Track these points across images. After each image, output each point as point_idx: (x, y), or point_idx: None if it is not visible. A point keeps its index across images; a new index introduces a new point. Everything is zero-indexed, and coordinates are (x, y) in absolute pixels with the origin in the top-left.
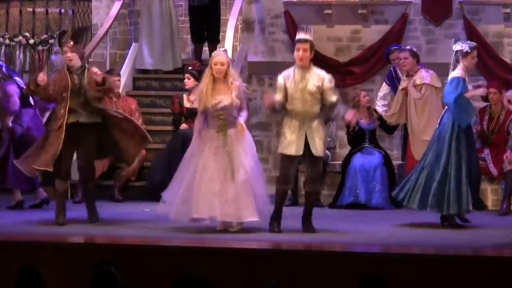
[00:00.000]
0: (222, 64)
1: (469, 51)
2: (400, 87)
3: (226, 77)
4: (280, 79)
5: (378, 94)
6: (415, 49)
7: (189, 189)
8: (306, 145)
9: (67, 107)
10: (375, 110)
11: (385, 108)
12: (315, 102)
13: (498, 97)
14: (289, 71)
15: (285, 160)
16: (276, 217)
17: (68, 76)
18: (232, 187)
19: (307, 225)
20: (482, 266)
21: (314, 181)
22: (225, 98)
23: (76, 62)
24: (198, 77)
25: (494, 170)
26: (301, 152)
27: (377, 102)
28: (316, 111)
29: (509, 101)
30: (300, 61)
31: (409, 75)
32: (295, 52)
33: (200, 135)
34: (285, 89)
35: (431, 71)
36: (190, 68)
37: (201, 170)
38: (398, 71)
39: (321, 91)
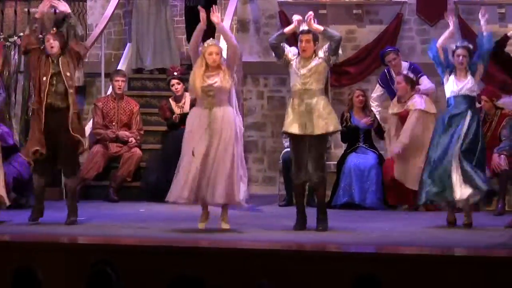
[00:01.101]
0: (217, 54)
1: (454, 49)
2: (391, 111)
3: (219, 65)
4: (288, 50)
5: (372, 95)
6: (411, 76)
7: (180, 171)
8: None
9: (46, 92)
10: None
11: (379, 109)
12: (316, 79)
13: (490, 105)
14: (296, 53)
15: (293, 145)
16: (297, 216)
17: (50, 62)
18: (211, 170)
19: (319, 223)
20: (477, 266)
21: (317, 168)
22: (216, 81)
23: (57, 50)
24: (184, 81)
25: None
26: (303, 131)
27: (370, 102)
28: (316, 88)
29: (502, 109)
30: (303, 51)
31: (401, 101)
32: (299, 43)
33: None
34: (286, 54)
35: (425, 97)
36: (175, 73)
37: (188, 155)
38: (392, 72)
39: (327, 56)
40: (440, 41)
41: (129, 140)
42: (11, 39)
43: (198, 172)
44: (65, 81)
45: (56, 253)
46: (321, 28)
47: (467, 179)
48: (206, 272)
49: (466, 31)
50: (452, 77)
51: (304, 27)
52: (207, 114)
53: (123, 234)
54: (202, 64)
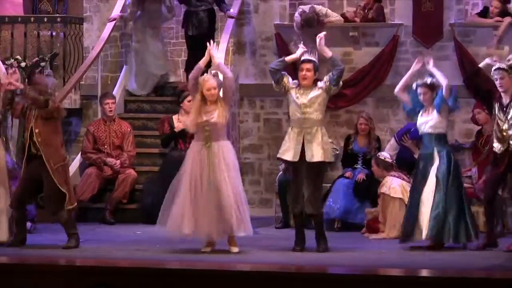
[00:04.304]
0: (215, 88)
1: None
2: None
3: (217, 99)
4: (286, 78)
5: (387, 150)
6: (383, 157)
7: (179, 205)
8: (304, 152)
9: (28, 141)
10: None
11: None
12: (315, 109)
13: (484, 116)
14: (296, 83)
15: (293, 173)
16: (296, 237)
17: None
18: (214, 203)
19: (319, 244)
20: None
21: (313, 200)
22: (213, 116)
23: (37, 97)
24: None
25: (480, 193)
26: (297, 159)
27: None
28: (316, 118)
29: None
30: (303, 80)
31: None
32: (299, 72)
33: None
34: (285, 82)
35: (396, 180)
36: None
37: (188, 188)
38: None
39: (328, 86)
40: (398, 88)
41: (114, 164)
42: (7, 62)
43: (200, 206)
44: (34, 136)
45: (52, 275)
46: (329, 53)
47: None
48: None
49: (462, 54)
50: (419, 114)
51: (306, 56)
52: (205, 149)
53: (120, 257)
54: (199, 100)
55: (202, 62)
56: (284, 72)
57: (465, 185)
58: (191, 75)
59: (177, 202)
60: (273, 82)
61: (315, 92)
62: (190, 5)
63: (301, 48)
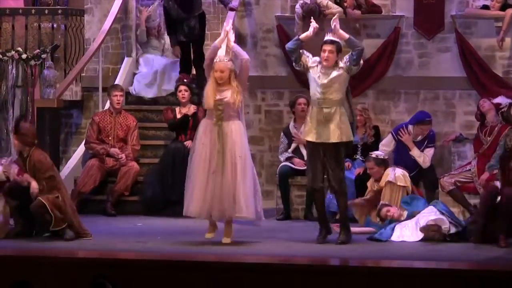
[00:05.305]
0: (222, 71)
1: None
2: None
3: (230, 81)
4: (305, 57)
5: (382, 148)
6: (381, 156)
7: (191, 187)
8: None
9: None
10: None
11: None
12: (335, 89)
13: (489, 104)
14: (317, 61)
15: (308, 152)
16: (320, 226)
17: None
18: (222, 184)
19: (339, 235)
20: (476, 279)
21: (337, 178)
22: (227, 95)
23: (21, 148)
24: (192, 89)
25: (480, 189)
26: (319, 139)
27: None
28: (335, 98)
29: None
30: (325, 61)
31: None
32: (321, 53)
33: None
34: (303, 60)
35: (398, 169)
36: (185, 80)
37: (196, 168)
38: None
39: (348, 66)
40: None
41: (120, 157)
42: (8, 54)
43: (211, 187)
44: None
45: (55, 267)
46: (346, 36)
47: None
48: (204, 286)
49: (464, 46)
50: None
51: (329, 36)
52: (216, 128)
53: (121, 249)
54: (213, 80)
55: (218, 42)
56: (302, 50)
57: (464, 179)
58: (207, 55)
59: (191, 185)
60: (293, 62)
61: (336, 72)
62: (179, 16)
63: (312, 26)
